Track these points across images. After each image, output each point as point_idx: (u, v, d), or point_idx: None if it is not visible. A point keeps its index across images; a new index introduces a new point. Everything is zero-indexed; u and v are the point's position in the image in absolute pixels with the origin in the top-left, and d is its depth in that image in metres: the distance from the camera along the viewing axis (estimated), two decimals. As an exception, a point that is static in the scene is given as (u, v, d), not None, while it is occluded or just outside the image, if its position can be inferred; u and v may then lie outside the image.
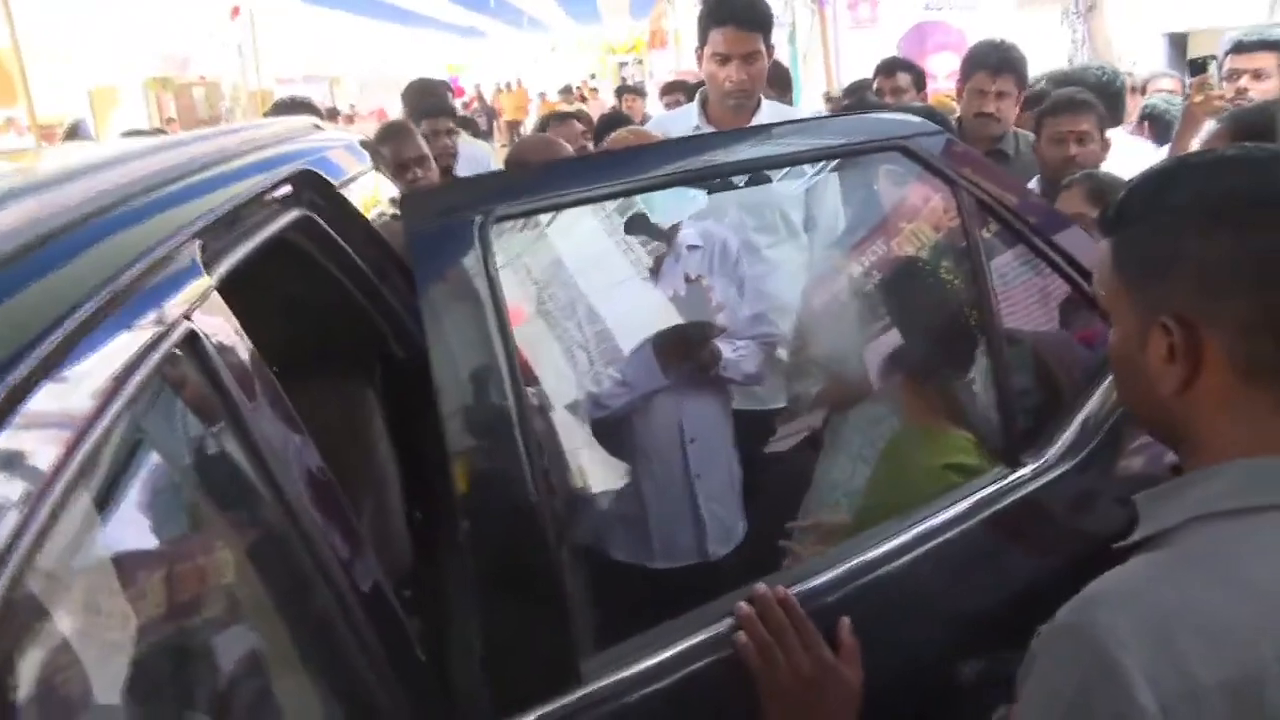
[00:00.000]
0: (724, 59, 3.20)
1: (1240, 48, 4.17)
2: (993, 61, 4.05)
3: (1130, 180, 1.19)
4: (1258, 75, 4.09)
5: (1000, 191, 2.06)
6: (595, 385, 2.44)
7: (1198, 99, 3.72)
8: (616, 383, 2.46)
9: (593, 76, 25.52)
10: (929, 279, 2.34)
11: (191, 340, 1.11)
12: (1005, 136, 4.10)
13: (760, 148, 1.85)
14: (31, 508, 0.76)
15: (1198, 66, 3.83)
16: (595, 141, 5.28)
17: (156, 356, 1.01)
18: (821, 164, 2.24)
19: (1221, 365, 1.05)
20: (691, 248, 2.64)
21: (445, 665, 1.56)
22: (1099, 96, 4.33)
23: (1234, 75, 4.11)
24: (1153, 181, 1.15)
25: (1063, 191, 3.16)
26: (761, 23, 3.21)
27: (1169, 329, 1.06)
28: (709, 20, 3.24)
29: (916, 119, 2.05)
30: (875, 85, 5.32)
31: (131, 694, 0.88)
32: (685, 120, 3.39)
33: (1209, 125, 3.79)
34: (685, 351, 2.51)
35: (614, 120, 5.33)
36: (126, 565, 0.93)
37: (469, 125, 8.11)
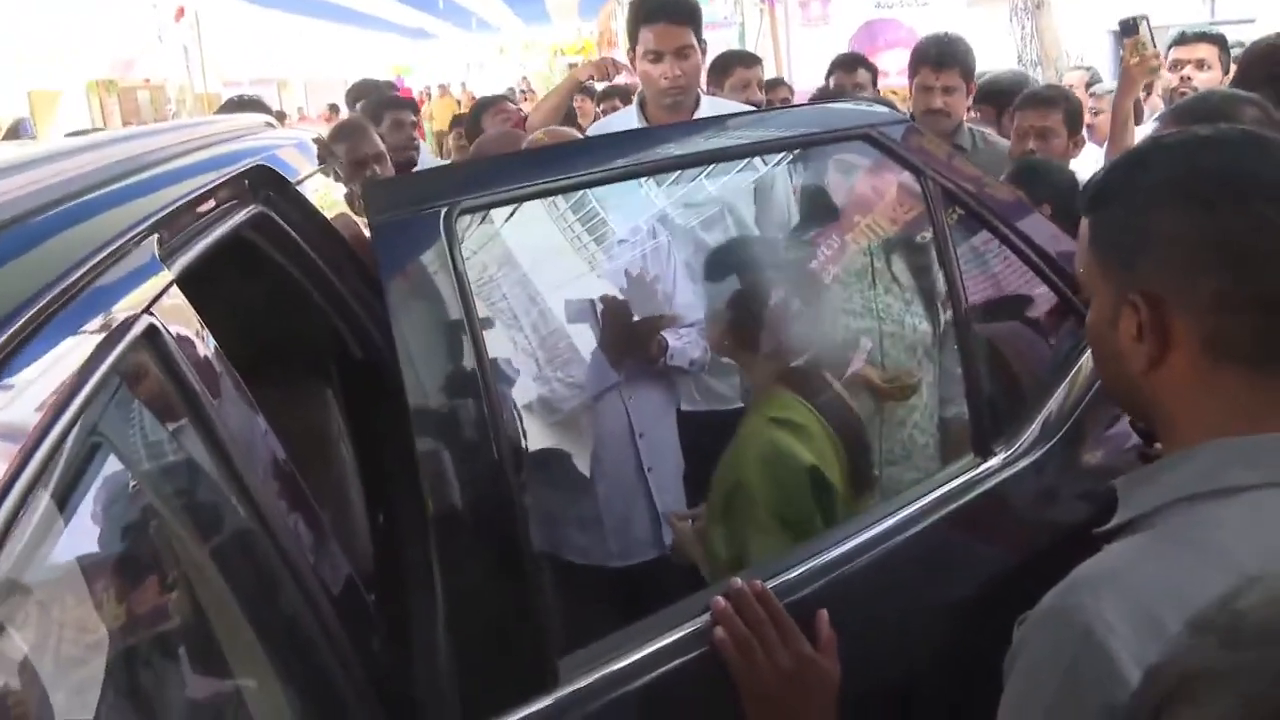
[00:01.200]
0: (657, 56, 3.17)
1: (1183, 39, 4.28)
2: (934, 56, 4.03)
3: (1111, 161, 1.19)
4: (1200, 65, 4.18)
5: (964, 179, 2.06)
6: (545, 389, 2.40)
7: (1134, 60, 3.74)
8: (566, 384, 2.43)
9: (523, 80, 25.38)
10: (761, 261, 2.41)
11: (152, 335, 1.07)
12: (960, 131, 4.09)
13: (726, 138, 1.83)
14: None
15: (1129, 27, 3.76)
16: (467, 127, 5.23)
17: (116, 351, 0.97)
18: (786, 155, 2.23)
19: (1190, 344, 1.04)
20: (621, 242, 2.61)
21: (410, 668, 1.53)
22: (1010, 97, 4.39)
23: (1178, 65, 4.20)
24: (1128, 161, 1.15)
25: None
26: (690, 16, 3.19)
27: (1137, 306, 1.06)
28: (637, 19, 3.24)
29: (881, 108, 2.05)
30: (833, 82, 5.28)
31: (98, 700, 0.84)
32: (625, 123, 3.37)
33: (1155, 117, 3.84)
34: (631, 345, 2.49)
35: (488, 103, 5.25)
36: (90, 571, 0.90)
37: None
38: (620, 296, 2.48)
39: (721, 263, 2.41)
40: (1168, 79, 4.26)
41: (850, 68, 5.25)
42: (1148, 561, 0.99)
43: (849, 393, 2.36)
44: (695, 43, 3.18)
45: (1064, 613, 0.97)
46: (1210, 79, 4.15)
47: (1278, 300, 1.01)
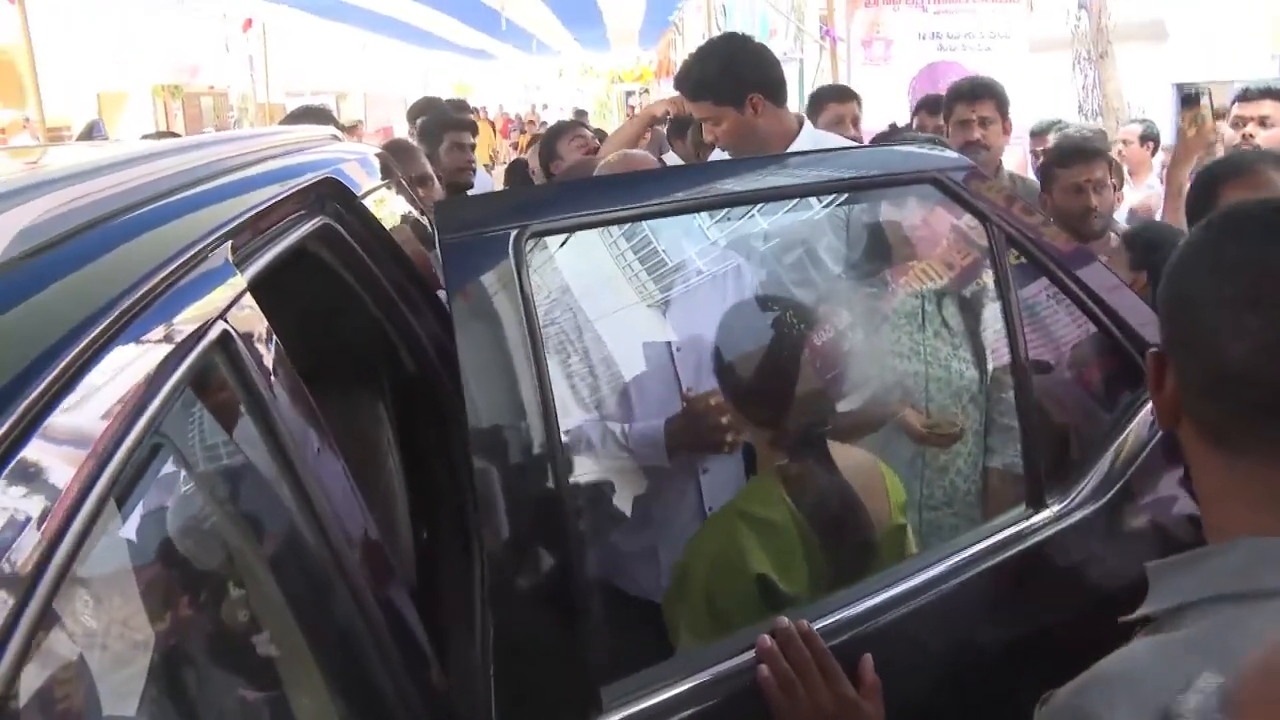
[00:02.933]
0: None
1: (1246, 96, 4.16)
2: (967, 90, 4.08)
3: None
4: (1263, 122, 4.07)
5: (1027, 226, 2.04)
6: (598, 437, 2.35)
7: (1191, 132, 3.70)
8: (617, 441, 2.38)
9: (544, 106, 25.37)
10: (781, 324, 2.17)
11: (226, 340, 1.08)
12: (999, 173, 4.08)
13: (795, 175, 1.84)
14: (68, 508, 0.74)
15: (1190, 99, 3.77)
16: (541, 152, 5.19)
17: (192, 356, 0.98)
18: (852, 196, 2.21)
19: (1188, 419, 1.01)
20: (702, 274, 2.58)
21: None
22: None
23: (1240, 123, 4.09)
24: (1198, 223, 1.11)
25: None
26: (699, 90, 3.19)
27: (1153, 360, 1.04)
28: None
29: (949, 152, 2.04)
30: (916, 122, 5.20)
31: (162, 706, 0.84)
32: None
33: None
34: (700, 443, 2.34)
35: (564, 128, 5.22)
36: (158, 576, 0.90)
37: None
38: (699, 390, 2.28)
39: (741, 320, 2.23)
40: (1230, 135, 4.18)
41: (935, 110, 5.23)
42: (1168, 670, 0.93)
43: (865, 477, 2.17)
44: (721, 110, 3.14)
45: (1079, 712, 0.93)
46: (1273, 136, 4.06)
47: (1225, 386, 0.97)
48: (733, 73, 3.15)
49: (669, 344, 2.37)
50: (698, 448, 2.32)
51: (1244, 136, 4.06)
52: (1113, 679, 0.95)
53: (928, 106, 5.26)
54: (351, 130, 10.53)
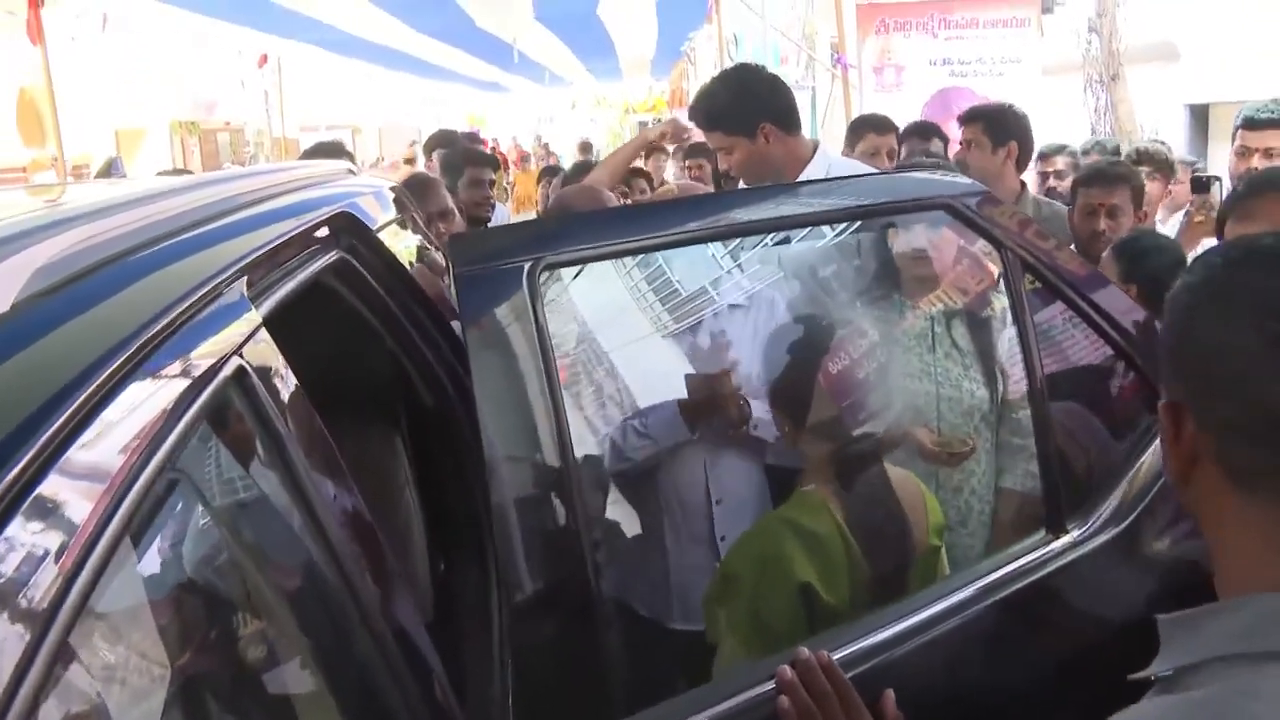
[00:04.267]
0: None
1: (1252, 124, 3.82)
2: (966, 115, 4.34)
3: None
4: (1269, 154, 3.74)
5: (1041, 251, 2.04)
6: (619, 435, 2.38)
7: (1199, 219, 3.61)
8: (638, 434, 2.40)
9: (539, 137, 25.58)
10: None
11: (241, 376, 1.09)
12: (1023, 199, 4.07)
13: (808, 203, 1.84)
14: (85, 543, 0.74)
15: (1201, 184, 3.75)
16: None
17: (208, 392, 0.99)
18: (865, 222, 2.21)
19: (1213, 467, 0.96)
20: (734, 307, 2.58)
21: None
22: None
23: (1245, 153, 3.79)
24: (1198, 260, 1.09)
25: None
26: (711, 121, 3.23)
27: (1167, 411, 0.99)
28: None
29: (962, 178, 2.04)
30: (905, 150, 5.18)
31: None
32: None
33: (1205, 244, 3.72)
34: (712, 407, 2.43)
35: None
36: (176, 612, 0.90)
37: None
38: (701, 363, 2.41)
39: (782, 342, 2.33)
40: (1233, 163, 4.04)
41: (925, 136, 5.24)
42: None
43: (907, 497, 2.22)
44: (733, 141, 3.16)
45: None
46: None
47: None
48: (743, 103, 3.19)
49: (684, 375, 2.39)
50: (713, 414, 2.38)
51: (1249, 170, 3.72)
52: None
53: (918, 134, 5.31)
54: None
